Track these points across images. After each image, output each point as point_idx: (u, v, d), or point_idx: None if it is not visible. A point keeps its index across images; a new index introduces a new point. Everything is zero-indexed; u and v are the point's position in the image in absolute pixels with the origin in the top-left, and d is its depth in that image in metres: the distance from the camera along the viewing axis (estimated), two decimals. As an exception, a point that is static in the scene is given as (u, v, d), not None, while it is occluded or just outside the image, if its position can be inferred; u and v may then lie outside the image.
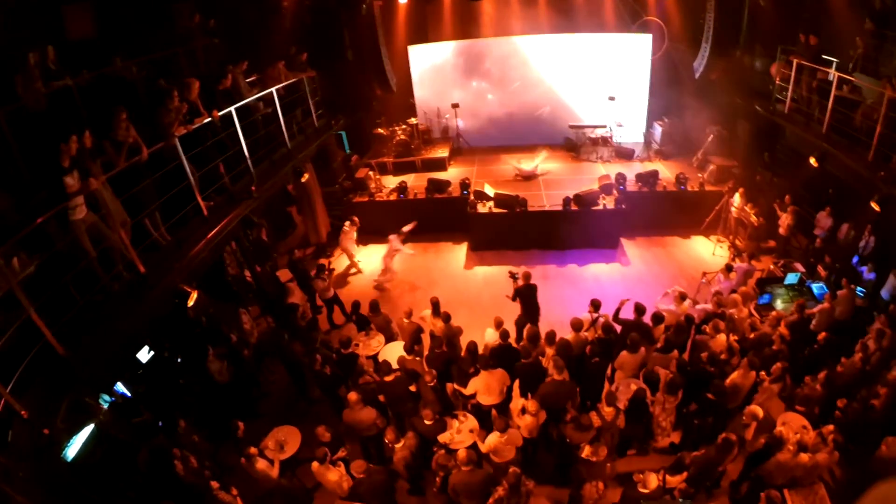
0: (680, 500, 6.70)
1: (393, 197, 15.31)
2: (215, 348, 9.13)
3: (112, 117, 7.39)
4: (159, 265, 7.64)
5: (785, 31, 12.99)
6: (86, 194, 6.57)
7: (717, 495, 7.76)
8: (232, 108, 9.85)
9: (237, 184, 10.16)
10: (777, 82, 13.22)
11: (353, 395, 7.78)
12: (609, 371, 9.01)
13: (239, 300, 11.05)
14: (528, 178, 16.25)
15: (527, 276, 9.92)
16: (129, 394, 7.93)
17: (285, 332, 10.03)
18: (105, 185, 6.87)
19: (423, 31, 18.12)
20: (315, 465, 6.99)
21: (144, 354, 8.54)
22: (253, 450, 7.26)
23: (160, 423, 7.97)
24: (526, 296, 9.90)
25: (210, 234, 8.68)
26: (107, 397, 7.17)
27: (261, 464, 7.27)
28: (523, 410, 7.67)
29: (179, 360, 9.18)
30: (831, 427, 7.07)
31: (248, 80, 11.62)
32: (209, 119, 9.35)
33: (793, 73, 12.31)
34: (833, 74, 10.81)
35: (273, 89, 11.63)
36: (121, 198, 7.19)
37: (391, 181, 16.08)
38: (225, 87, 10.40)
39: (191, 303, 7.73)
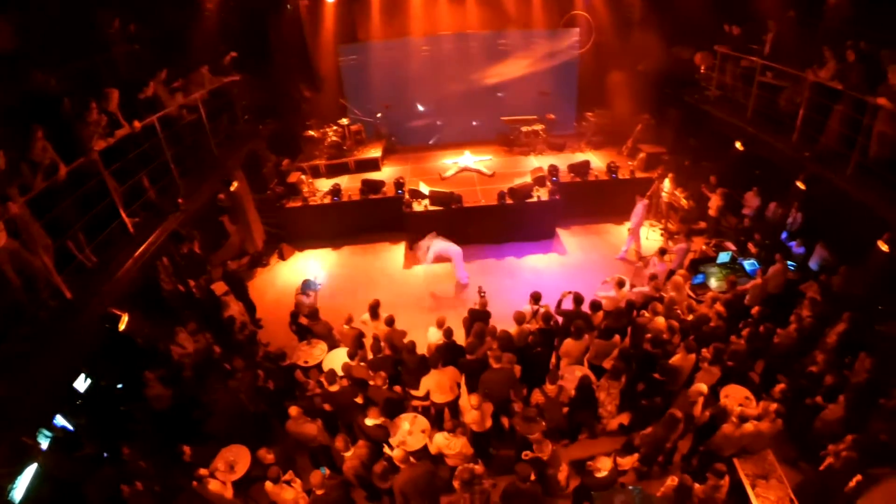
0: (630, 487, 6.86)
1: (327, 200, 15.02)
2: (153, 372, 8.75)
3: (28, 137, 6.95)
4: (86, 289, 7.28)
5: (710, 22, 13.35)
6: (5, 220, 6.16)
7: (671, 471, 7.94)
8: (154, 118, 9.44)
9: (163, 197, 9.75)
10: (702, 71, 13.73)
11: (293, 410, 7.67)
12: (553, 359, 9.23)
13: (176, 317, 10.64)
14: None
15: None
16: (69, 427, 7.52)
17: (217, 349, 9.74)
18: (23, 208, 6.47)
19: (352, 30, 17.77)
20: (269, 485, 6.83)
21: (81, 383, 8.07)
22: (203, 471, 7.03)
23: (104, 454, 7.60)
24: (480, 318, 9.59)
25: (137, 253, 8.32)
26: (46, 432, 6.78)
27: (213, 485, 7.05)
28: (474, 408, 7.71)
29: (119, 385, 8.76)
30: (775, 391, 7.49)
31: (172, 87, 11.12)
32: (131, 131, 8.94)
33: (717, 62, 12.82)
34: (756, 61, 11.31)
35: (197, 95, 11.20)
36: (41, 220, 6.78)
37: (324, 184, 15.76)
38: (146, 95, 9.95)
39: (122, 326, 7.40)
